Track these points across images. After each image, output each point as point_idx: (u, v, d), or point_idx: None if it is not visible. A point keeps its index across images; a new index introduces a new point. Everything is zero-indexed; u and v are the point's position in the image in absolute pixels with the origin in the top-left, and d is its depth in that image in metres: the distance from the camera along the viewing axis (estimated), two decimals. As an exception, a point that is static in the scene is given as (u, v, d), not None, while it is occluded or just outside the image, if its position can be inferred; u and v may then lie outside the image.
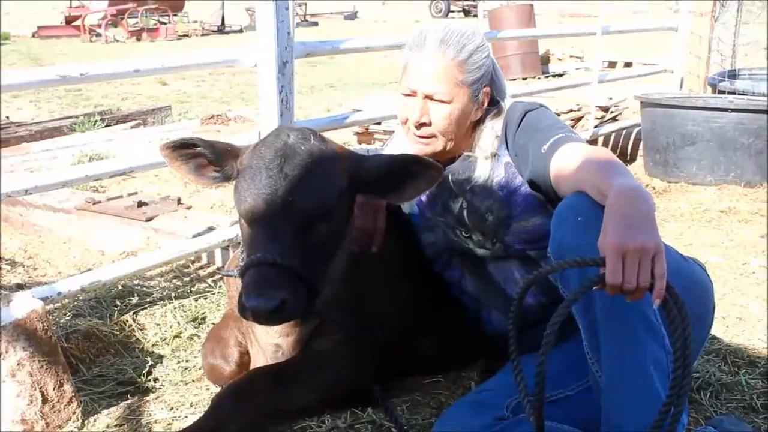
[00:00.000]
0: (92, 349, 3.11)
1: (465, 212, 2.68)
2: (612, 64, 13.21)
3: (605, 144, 7.09)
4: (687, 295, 1.92)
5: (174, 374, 3.00)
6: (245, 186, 2.30)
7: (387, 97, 8.90)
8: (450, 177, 2.68)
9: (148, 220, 4.65)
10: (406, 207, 2.87)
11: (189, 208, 5.02)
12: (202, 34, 26.38)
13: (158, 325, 3.38)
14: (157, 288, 3.82)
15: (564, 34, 8.36)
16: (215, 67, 3.73)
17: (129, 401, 2.78)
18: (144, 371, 2.99)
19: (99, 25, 24.79)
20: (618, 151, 7.15)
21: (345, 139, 6.87)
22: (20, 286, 3.88)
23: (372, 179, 2.43)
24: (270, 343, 2.65)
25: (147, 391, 2.88)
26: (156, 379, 2.97)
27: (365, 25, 31.17)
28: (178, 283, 3.90)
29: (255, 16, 3.57)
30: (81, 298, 3.51)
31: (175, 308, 3.50)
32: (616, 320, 2.04)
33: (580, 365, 2.23)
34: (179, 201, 5.05)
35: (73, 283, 3.15)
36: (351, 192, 2.42)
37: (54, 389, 2.56)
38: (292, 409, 2.53)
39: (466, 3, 34.47)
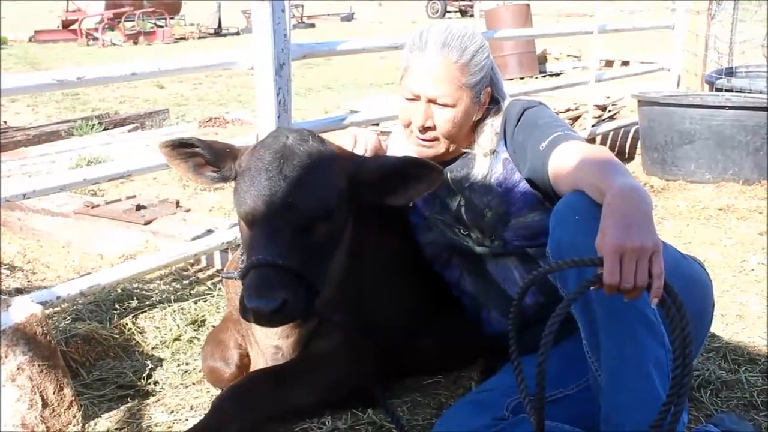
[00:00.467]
0: (92, 352, 3.11)
1: (463, 209, 2.68)
2: (609, 63, 13.21)
3: (603, 142, 7.09)
4: (686, 293, 1.92)
5: (174, 377, 3.00)
6: (244, 188, 2.30)
7: (384, 98, 8.90)
8: (448, 175, 2.68)
9: (147, 223, 4.64)
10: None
11: (188, 211, 5.01)
12: (199, 37, 26.35)
13: (158, 328, 3.38)
14: (157, 291, 3.81)
15: (561, 33, 8.36)
16: (212, 69, 3.73)
17: (129, 405, 2.78)
18: (144, 374, 2.99)
19: (96, 29, 24.78)
20: (616, 149, 7.16)
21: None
22: (19, 291, 3.88)
23: (372, 181, 2.43)
24: (270, 345, 2.65)
25: (147, 394, 2.88)
26: (156, 383, 2.97)
27: (362, 27, 31.16)
28: (178, 286, 3.89)
29: (251, 19, 3.57)
30: (80, 301, 3.51)
31: (174, 311, 3.49)
32: (615, 319, 2.04)
33: (580, 364, 2.23)
34: (178, 204, 5.04)
35: (72, 287, 3.15)
36: (350, 193, 2.42)
37: (54, 393, 2.55)
38: (292, 411, 2.53)
39: (462, 3, 34.49)
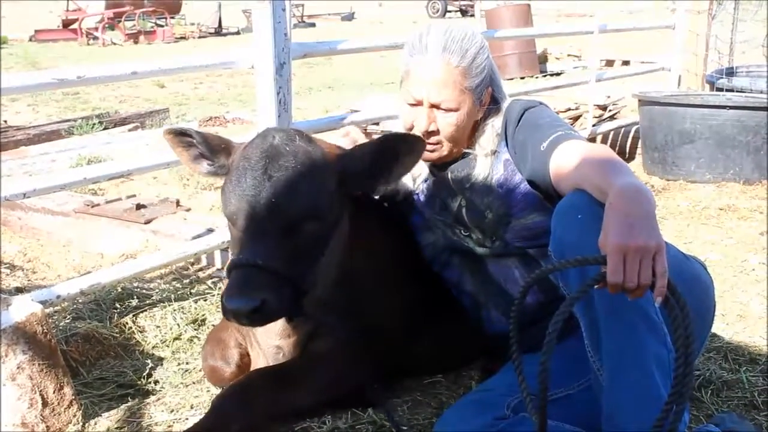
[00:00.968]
0: (92, 351, 3.10)
1: (464, 210, 2.68)
2: (610, 63, 13.21)
3: (603, 142, 7.09)
4: (688, 293, 1.92)
5: (174, 376, 2.99)
6: (230, 188, 2.32)
7: (385, 97, 8.89)
8: (449, 175, 2.67)
9: (147, 222, 4.65)
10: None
11: (188, 210, 5.02)
12: (200, 37, 26.35)
13: (158, 327, 3.37)
14: (157, 290, 3.81)
15: (561, 33, 8.38)
16: (212, 69, 3.73)
17: (129, 404, 2.78)
18: (144, 374, 2.98)
19: (96, 29, 24.78)
20: (616, 149, 7.15)
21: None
22: (19, 290, 3.88)
23: (361, 169, 2.43)
24: (271, 345, 2.65)
25: (147, 393, 2.88)
26: (156, 382, 2.96)
27: (362, 26, 31.16)
28: (178, 285, 3.89)
29: (252, 18, 3.57)
30: (80, 300, 3.51)
31: (174, 310, 3.49)
32: (617, 318, 2.03)
33: (581, 364, 2.23)
34: (178, 203, 5.05)
35: (72, 286, 3.15)
36: (340, 191, 2.42)
37: (54, 392, 2.55)
38: (292, 410, 2.53)
39: (463, 3, 34.49)
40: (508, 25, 12.68)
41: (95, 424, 2.64)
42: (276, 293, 2.18)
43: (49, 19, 28.86)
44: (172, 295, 3.65)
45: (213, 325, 3.25)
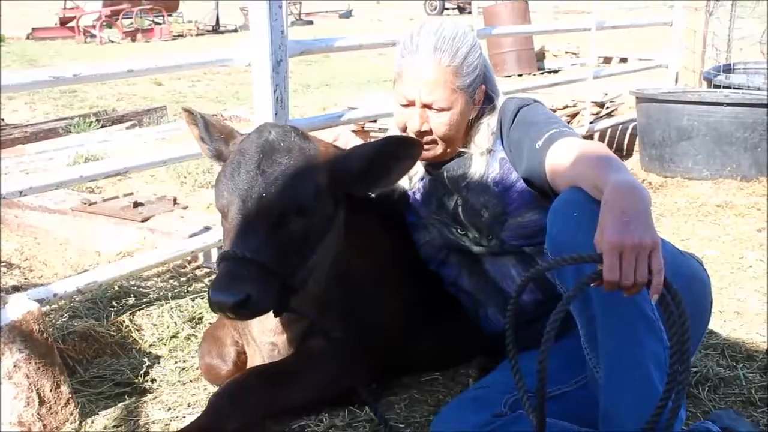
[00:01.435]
0: (89, 350, 3.10)
1: (460, 209, 2.67)
2: (607, 60, 13.21)
3: (601, 139, 7.10)
4: (685, 290, 1.92)
5: (171, 374, 2.99)
6: (223, 181, 2.34)
7: (382, 94, 8.89)
8: (445, 174, 2.67)
9: (144, 220, 4.65)
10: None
11: (185, 208, 5.02)
12: (197, 34, 26.33)
13: (155, 325, 3.37)
14: (154, 288, 3.81)
15: (559, 30, 8.37)
16: (209, 66, 3.73)
17: (126, 402, 2.77)
18: (141, 372, 2.98)
19: (93, 26, 24.74)
20: (614, 146, 7.16)
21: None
22: (16, 288, 3.87)
23: (357, 170, 2.43)
24: (266, 342, 2.64)
25: (144, 391, 2.88)
26: (153, 380, 2.96)
27: (360, 24, 31.14)
28: (175, 284, 3.89)
29: (248, 16, 3.57)
30: (77, 299, 3.50)
31: (171, 308, 3.48)
32: (614, 316, 2.04)
33: (578, 361, 2.23)
34: (175, 201, 5.05)
35: (69, 284, 3.14)
36: (333, 188, 2.42)
37: (51, 391, 2.55)
38: (289, 408, 2.53)
39: (460, 0, 34.45)
40: (505, 22, 12.66)
41: (92, 422, 2.64)
42: (262, 287, 2.18)
43: (46, 17, 28.81)
44: (169, 293, 3.65)
45: (210, 323, 3.25)
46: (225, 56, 3.58)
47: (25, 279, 4.18)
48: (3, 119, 9.65)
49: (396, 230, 2.87)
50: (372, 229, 2.76)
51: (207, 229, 4.23)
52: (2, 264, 4.39)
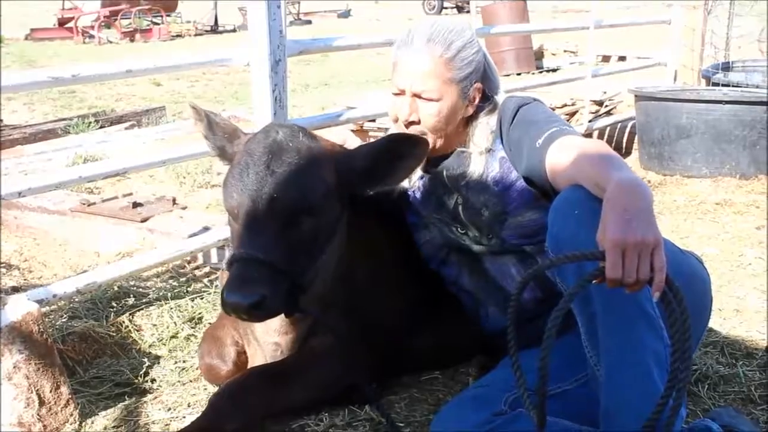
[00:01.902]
0: (89, 350, 3.10)
1: (460, 208, 2.67)
2: (606, 59, 13.22)
3: (600, 138, 7.10)
4: (685, 288, 1.92)
5: (171, 375, 2.99)
6: (232, 182, 2.33)
7: (381, 94, 8.89)
8: (444, 173, 2.67)
9: (144, 220, 4.64)
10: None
11: (184, 208, 5.02)
12: (196, 34, 26.30)
13: (155, 325, 3.37)
14: (154, 288, 3.81)
15: (557, 29, 8.36)
16: (207, 66, 3.73)
17: (126, 402, 2.77)
18: (141, 372, 2.98)
19: (92, 27, 24.72)
20: (613, 144, 7.16)
21: (336, 131, 6.85)
22: (16, 289, 3.87)
23: (363, 168, 2.44)
24: (269, 342, 2.64)
25: (144, 392, 2.88)
26: (153, 380, 2.96)
27: (359, 23, 31.10)
28: (175, 284, 3.89)
29: (247, 16, 3.57)
30: (77, 299, 3.50)
31: (171, 308, 3.49)
32: (615, 314, 2.03)
33: (578, 360, 2.23)
34: (174, 201, 5.05)
35: (68, 284, 3.14)
36: (341, 187, 2.42)
37: (51, 391, 2.55)
38: (289, 408, 2.53)
39: (459, -1, 34.45)
40: (504, 21, 12.65)
41: (92, 423, 2.64)
42: (275, 289, 2.18)
43: (45, 18, 28.79)
44: (169, 294, 3.65)
45: (210, 323, 3.25)
46: (223, 56, 3.58)
47: (25, 280, 4.17)
48: (2, 120, 9.65)
49: (396, 229, 2.87)
50: (372, 228, 2.76)
51: (206, 229, 4.23)
52: (2, 265, 4.38)
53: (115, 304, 3.52)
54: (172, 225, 4.55)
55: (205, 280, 3.92)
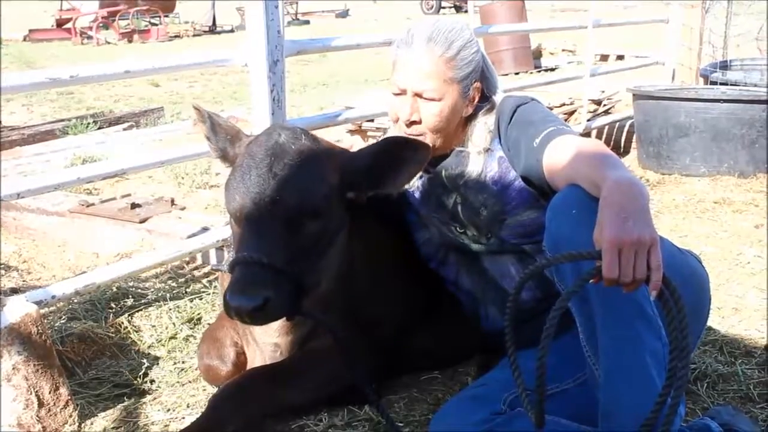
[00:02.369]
0: (88, 351, 3.10)
1: (459, 207, 2.68)
2: (604, 58, 13.22)
3: (598, 137, 7.10)
4: (683, 287, 1.92)
5: (170, 375, 2.99)
6: (234, 185, 2.31)
7: (379, 94, 8.90)
8: (443, 172, 2.67)
9: (142, 221, 4.64)
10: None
11: (183, 208, 5.01)
12: (194, 35, 26.29)
13: (154, 326, 3.37)
14: (152, 289, 3.81)
15: (555, 28, 8.36)
16: (205, 67, 3.73)
17: (125, 403, 2.77)
18: (140, 373, 2.98)
19: (90, 28, 24.71)
20: (611, 143, 7.16)
21: (338, 136, 6.86)
22: (15, 291, 3.86)
23: (364, 168, 2.44)
24: (269, 343, 2.64)
25: (143, 393, 2.88)
26: (152, 381, 2.96)
27: (357, 23, 31.10)
28: (173, 284, 3.89)
29: (245, 16, 3.56)
30: (76, 301, 3.50)
31: (170, 309, 3.49)
32: (612, 314, 2.04)
33: (576, 359, 2.23)
34: (173, 202, 5.05)
35: (67, 286, 3.13)
36: (344, 189, 2.42)
37: (50, 393, 2.55)
38: (289, 409, 2.53)
39: (457, -1, 34.42)
40: (502, 21, 12.63)
41: (91, 424, 2.64)
42: (278, 292, 2.17)
43: (43, 19, 28.78)
44: (168, 294, 3.65)
45: (209, 324, 3.25)
46: (222, 57, 3.58)
47: (24, 281, 4.17)
48: (0, 121, 9.64)
49: (395, 229, 2.87)
50: (372, 228, 2.76)
51: (205, 229, 4.23)
52: (1, 266, 4.38)
53: (114, 305, 3.52)
54: (171, 226, 4.55)
55: (204, 281, 3.92)
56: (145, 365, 3.03)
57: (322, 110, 8.81)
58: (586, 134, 6.57)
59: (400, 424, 2.54)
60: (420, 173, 2.73)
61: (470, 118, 2.64)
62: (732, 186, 5.72)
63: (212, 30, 27.73)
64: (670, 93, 6.32)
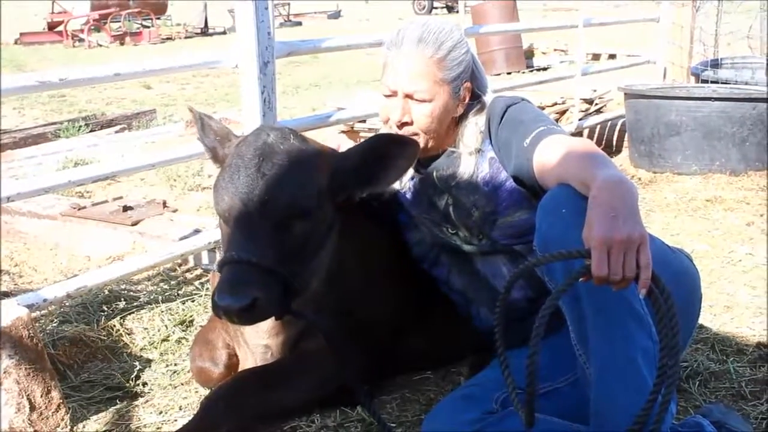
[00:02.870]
0: (80, 355, 3.09)
1: (451, 208, 2.67)
2: (596, 57, 13.24)
3: (590, 136, 7.11)
4: (674, 285, 1.93)
5: (162, 378, 2.99)
6: (223, 185, 2.32)
7: (371, 94, 8.89)
8: (435, 173, 2.67)
9: (134, 224, 4.63)
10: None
11: (175, 211, 5.01)
12: (186, 37, 26.28)
13: (146, 329, 3.37)
14: (144, 292, 3.80)
15: (546, 27, 8.37)
16: (196, 69, 3.72)
17: (118, 406, 2.77)
18: (132, 376, 2.97)
19: (82, 30, 24.67)
20: (603, 142, 7.18)
21: (330, 138, 6.86)
22: (6, 294, 3.85)
23: (353, 167, 2.44)
24: (259, 344, 2.64)
25: (136, 395, 2.87)
26: (144, 384, 2.95)
27: (349, 24, 31.11)
28: (165, 287, 3.88)
29: (235, 17, 3.56)
30: (67, 304, 3.50)
31: (162, 312, 3.48)
32: (603, 312, 2.04)
33: (567, 359, 2.23)
34: (165, 204, 5.04)
35: (59, 289, 3.13)
36: (334, 189, 2.42)
37: (41, 396, 2.54)
38: (281, 410, 2.53)
39: (448, -1, 34.46)
40: (494, 21, 12.64)
41: (83, 427, 2.64)
42: (267, 291, 2.17)
43: (34, 22, 28.72)
44: (160, 297, 3.65)
45: (201, 326, 3.24)
46: (212, 58, 3.58)
47: (15, 285, 4.16)
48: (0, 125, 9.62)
49: (386, 229, 2.87)
50: (364, 229, 2.76)
51: (197, 231, 4.22)
52: (-5, 270, 4.38)
53: (105, 308, 3.51)
54: (163, 228, 4.54)
55: (196, 283, 3.91)
56: (138, 368, 3.03)
57: (314, 111, 8.80)
58: (578, 133, 6.58)
59: (393, 425, 2.54)
60: (411, 173, 2.74)
61: (461, 119, 2.64)
62: (723, 184, 5.73)
63: (204, 32, 27.72)
64: (661, 91, 6.33)
